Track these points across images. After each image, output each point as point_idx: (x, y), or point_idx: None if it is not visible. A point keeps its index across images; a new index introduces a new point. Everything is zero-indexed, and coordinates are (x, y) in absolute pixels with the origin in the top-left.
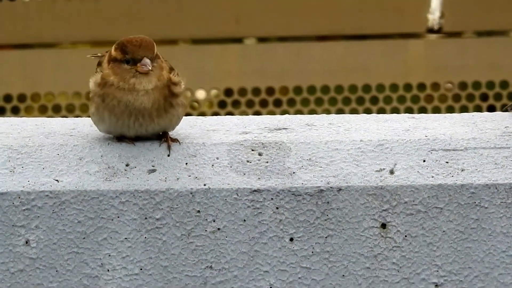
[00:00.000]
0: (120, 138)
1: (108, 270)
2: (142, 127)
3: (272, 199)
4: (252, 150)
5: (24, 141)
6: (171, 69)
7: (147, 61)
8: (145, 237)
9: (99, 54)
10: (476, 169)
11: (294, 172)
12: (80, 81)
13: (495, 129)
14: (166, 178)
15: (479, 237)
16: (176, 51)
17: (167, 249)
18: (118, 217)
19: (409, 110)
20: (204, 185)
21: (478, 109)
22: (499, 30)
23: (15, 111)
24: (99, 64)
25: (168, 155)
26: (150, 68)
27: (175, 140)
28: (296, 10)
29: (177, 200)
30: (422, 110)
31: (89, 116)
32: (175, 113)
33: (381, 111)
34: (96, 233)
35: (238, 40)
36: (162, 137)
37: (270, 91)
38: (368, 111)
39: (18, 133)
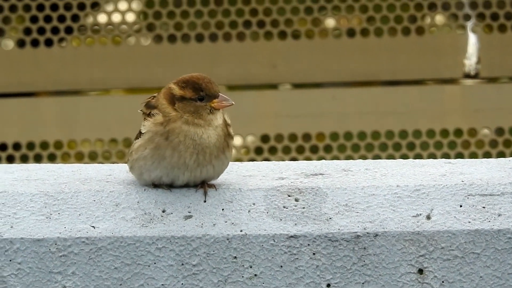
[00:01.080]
0: (157, 185)
1: None
2: (197, 170)
3: (308, 244)
4: (289, 196)
5: (61, 187)
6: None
7: (225, 96)
8: (182, 283)
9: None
10: None
11: (330, 218)
12: (116, 128)
13: None
14: (202, 224)
15: None
16: None
17: None
18: (155, 263)
19: (446, 156)
20: (241, 231)
21: None
22: None
23: (52, 158)
24: (150, 106)
25: (205, 201)
26: (232, 102)
27: (211, 186)
28: (332, 56)
29: (214, 246)
30: (459, 156)
31: (125, 162)
32: (228, 155)
33: (418, 157)
34: (132, 279)
35: (274, 86)
36: (199, 183)
37: (306, 137)
38: (404, 157)
39: (55, 179)
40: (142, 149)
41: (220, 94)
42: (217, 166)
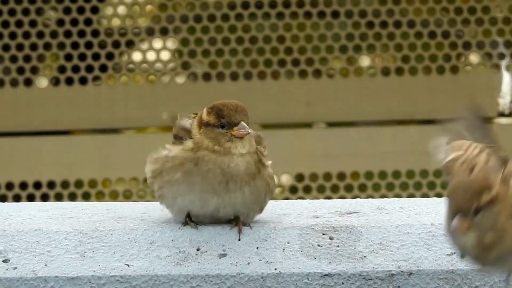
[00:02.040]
0: (186, 222)
1: None
2: (226, 196)
3: (343, 283)
4: (323, 234)
5: (95, 226)
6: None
7: (244, 124)
8: None
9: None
10: None
11: (365, 256)
12: None
13: None
14: (237, 262)
15: None
16: None
17: None
18: None
19: None
20: (275, 269)
21: None
22: None
23: (86, 197)
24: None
25: (239, 240)
26: (249, 130)
27: (246, 224)
28: (367, 95)
29: (248, 284)
30: None
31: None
32: (259, 184)
33: None
34: None
35: (309, 125)
36: (233, 221)
37: (341, 176)
38: (439, 196)
39: (89, 217)
40: (173, 172)
41: (242, 122)
42: (247, 193)
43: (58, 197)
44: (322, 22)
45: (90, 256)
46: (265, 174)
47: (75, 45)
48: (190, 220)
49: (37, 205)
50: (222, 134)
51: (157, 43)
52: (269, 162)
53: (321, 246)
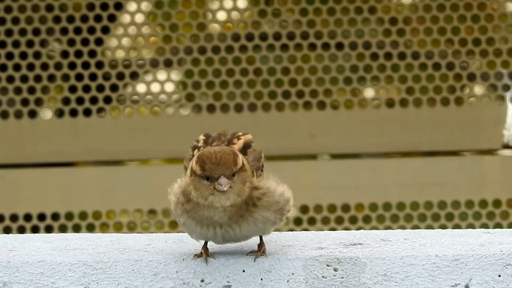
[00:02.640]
0: (198, 255)
1: None
2: (229, 234)
3: None
4: (328, 266)
5: (99, 257)
6: (257, 170)
7: (223, 181)
8: None
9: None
10: None
11: (369, 287)
12: (155, 198)
13: None
14: None
15: None
16: None
17: None
18: None
19: (484, 226)
20: None
21: None
22: None
23: (90, 228)
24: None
25: (254, 261)
26: (225, 188)
27: (263, 253)
28: (371, 126)
29: None
30: (498, 226)
31: (165, 232)
32: (259, 216)
33: (457, 227)
34: None
35: (313, 156)
36: (258, 245)
37: (345, 207)
38: (443, 227)
39: (93, 249)
40: (176, 214)
41: (221, 177)
42: (244, 228)
43: (63, 229)
44: (326, 54)
45: (95, 287)
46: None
47: (79, 77)
48: (205, 251)
49: (41, 236)
50: (206, 186)
51: (161, 75)
52: (265, 189)
53: (326, 278)
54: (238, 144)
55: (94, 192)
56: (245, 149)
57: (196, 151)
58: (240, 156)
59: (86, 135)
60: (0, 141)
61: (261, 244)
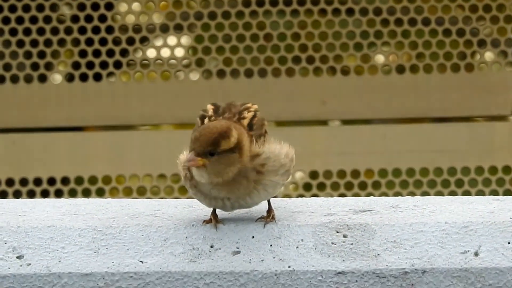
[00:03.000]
0: (207, 221)
1: None
2: (239, 204)
3: (356, 281)
4: (337, 232)
5: (109, 222)
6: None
7: (188, 156)
8: None
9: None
10: None
11: (378, 254)
12: (165, 164)
13: None
14: (250, 259)
15: None
16: None
17: None
18: None
19: (494, 193)
20: (289, 267)
21: None
22: None
23: (100, 193)
24: None
25: (264, 227)
26: (187, 164)
27: (273, 219)
28: (382, 92)
29: (262, 281)
30: (508, 193)
31: (175, 197)
32: (267, 182)
33: (466, 193)
34: None
35: (324, 122)
36: (267, 211)
37: (355, 173)
38: (453, 194)
39: (103, 214)
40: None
41: (190, 153)
42: (254, 196)
43: (72, 193)
44: (336, 20)
45: (104, 252)
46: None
47: (89, 42)
48: (214, 217)
49: (51, 201)
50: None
51: (172, 40)
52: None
53: (335, 244)
54: (248, 117)
55: (104, 157)
56: (253, 119)
57: (206, 120)
58: (236, 136)
59: (96, 100)
60: (10, 106)
61: (269, 210)
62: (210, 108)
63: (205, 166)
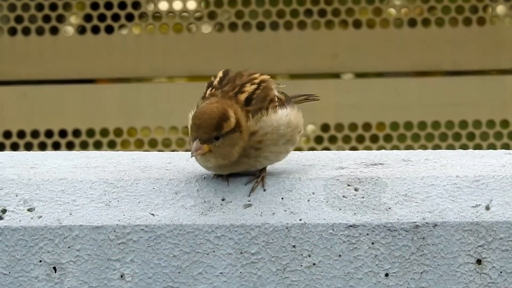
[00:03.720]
0: (217, 175)
1: None
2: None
3: (367, 234)
4: (348, 185)
5: (120, 175)
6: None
7: (194, 145)
8: (241, 272)
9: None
10: None
11: (390, 208)
12: (177, 116)
13: None
14: (261, 212)
15: None
16: None
17: (262, 284)
18: (214, 251)
19: (505, 147)
20: (300, 220)
21: None
22: None
23: (112, 145)
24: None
25: (264, 190)
26: (195, 154)
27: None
28: (394, 46)
29: (273, 234)
30: None
31: (185, 150)
32: (267, 154)
33: (478, 147)
34: (191, 267)
35: (336, 75)
36: (259, 175)
37: (367, 126)
38: (464, 147)
39: (114, 167)
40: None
41: (196, 141)
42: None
43: (84, 146)
44: None
45: (115, 205)
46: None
47: None
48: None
49: (62, 154)
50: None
51: None
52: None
53: (346, 197)
54: (247, 91)
55: (116, 109)
56: (254, 93)
57: (209, 90)
58: (233, 116)
59: (108, 53)
60: (22, 58)
61: (261, 173)
62: (219, 75)
63: (211, 151)
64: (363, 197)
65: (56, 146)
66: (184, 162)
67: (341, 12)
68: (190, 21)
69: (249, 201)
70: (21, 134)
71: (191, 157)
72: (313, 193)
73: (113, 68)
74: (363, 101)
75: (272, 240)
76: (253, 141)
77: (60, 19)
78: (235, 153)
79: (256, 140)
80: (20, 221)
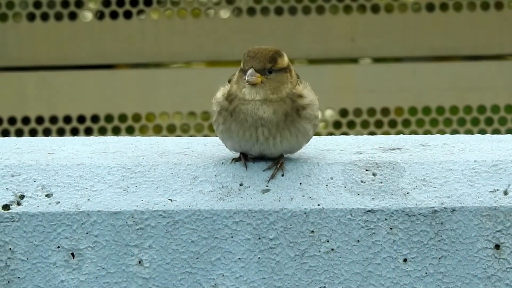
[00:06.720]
0: (236, 159)
1: None
2: (268, 142)
3: (386, 219)
4: (366, 170)
5: (138, 160)
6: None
7: (249, 72)
8: (259, 257)
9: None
10: None
11: (408, 193)
12: (195, 101)
13: None
14: (280, 198)
15: None
16: None
17: (280, 270)
18: (232, 237)
19: None
20: (318, 205)
21: None
22: None
23: (130, 131)
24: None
25: (282, 175)
26: (249, 79)
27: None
28: (412, 31)
29: (291, 220)
30: None
31: (204, 135)
32: (301, 127)
33: (496, 132)
34: (209, 253)
35: (354, 60)
36: (277, 161)
37: (385, 111)
38: (482, 132)
39: (132, 152)
40: (216, 124)
41: (250, 70)
42: (285, 138)
43: (102, 131)
44: None
45: (133, 190)
46: (307, 117)
47: None
48: (244, 155)
49: (81, 139)
50: (241, 80)
51: None
52: (309, 101)
53: (364, 182)
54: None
55: (134, 94)
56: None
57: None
58: (286, 59)
59: (126, 38)
60: (41, 43)
61: (279, 160)
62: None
63: (263, 82)
64: (381, 182)
65: (75, 132)
66: (202, 147)
67: None
68: (209, 6)
69: (267, 186)
70: (40, 119)
71: (246, 82)
72: (331, 178)
73: (131, 54)
74: (381, 86)
75: (290, 225)
76: (298, 104)
77: (79, 4)
78: (283, 90)
79: (301, 104)
80: (38, 206)
